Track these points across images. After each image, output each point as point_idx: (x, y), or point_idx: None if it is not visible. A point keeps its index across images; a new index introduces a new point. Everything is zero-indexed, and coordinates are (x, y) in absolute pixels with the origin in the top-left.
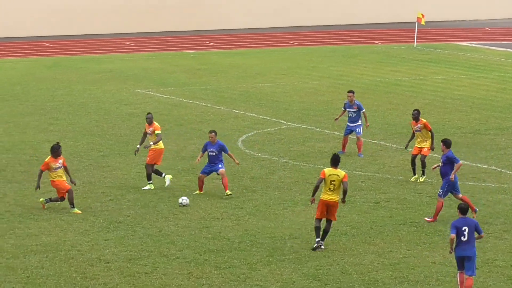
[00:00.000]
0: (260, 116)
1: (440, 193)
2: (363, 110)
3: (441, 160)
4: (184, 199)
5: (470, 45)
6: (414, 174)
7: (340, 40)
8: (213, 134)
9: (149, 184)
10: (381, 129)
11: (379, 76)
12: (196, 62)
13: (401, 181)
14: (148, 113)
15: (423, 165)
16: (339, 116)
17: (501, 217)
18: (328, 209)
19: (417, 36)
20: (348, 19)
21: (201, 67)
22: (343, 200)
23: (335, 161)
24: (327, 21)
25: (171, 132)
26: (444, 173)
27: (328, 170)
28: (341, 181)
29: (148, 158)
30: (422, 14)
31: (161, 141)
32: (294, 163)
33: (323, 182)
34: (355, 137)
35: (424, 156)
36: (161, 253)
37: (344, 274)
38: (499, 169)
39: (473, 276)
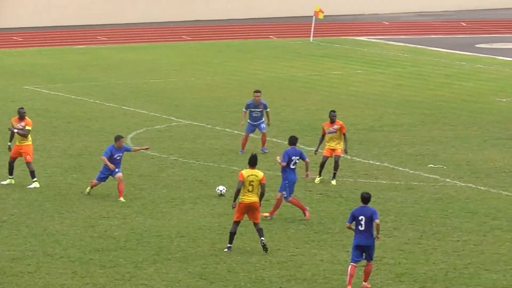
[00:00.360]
0: (151, 113)
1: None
2: (267, 110)
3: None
4: (221, 189)
5: (368, 39)
6: (320, 175)
7: (235, 35)
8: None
9: (9, 178)
10: (274, 126)
11: (273, 72)
12: (87, 58)
13: None
14: (21, 108)
15: (336, 167)
16: (244, 120)
17: (391, 214)
18: (249, 211)
19: (314, 31)
20: (244, 13)
21: (92, 62)
22: (259, 204)
23: (253, 162)
24: (222, 15)
25: (59, 129)
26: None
27: (246, 172)
28: (260, 182)
29: (13, 152)
30: (320, 8)
31: (30, 137)
32: (184, 160)
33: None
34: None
35: (338, 157)
36: (45, 253)
37: (231, 272)
38: (391, 166)
39: (372, 262)
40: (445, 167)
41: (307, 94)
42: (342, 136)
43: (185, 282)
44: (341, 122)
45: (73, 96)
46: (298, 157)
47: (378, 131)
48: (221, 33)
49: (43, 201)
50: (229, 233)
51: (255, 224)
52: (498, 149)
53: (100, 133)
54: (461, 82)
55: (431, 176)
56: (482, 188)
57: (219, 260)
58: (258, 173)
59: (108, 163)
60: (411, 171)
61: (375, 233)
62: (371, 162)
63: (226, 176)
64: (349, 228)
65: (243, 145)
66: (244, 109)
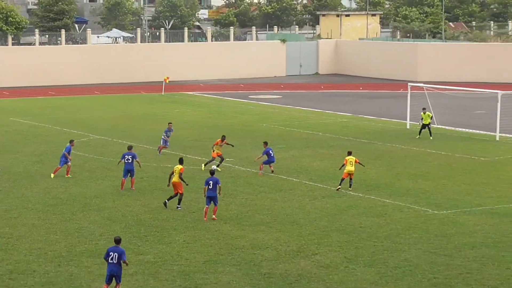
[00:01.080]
0: (79, 132)
1: None
2: (172, 132)
3: None
4: (214, 167)
5: (193, 93)
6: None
7: (122, 91)
8: None
9: None
10: (144, 136)
11: (145, 110)
12: (45, 104)
13: None
14: None
15: (222, 161)
16: (164, 137)
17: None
18: (175, 186)
19: (164, 89)
20: (128, 78)
21: (48, 106)
22: (180, 182)
23: (180, 161)
24: (123, 79)
25: (29, 141)
26: None
27: (177, 167)
28: (179, 171)
29: None
30: (166, 77)
31: None
32: (98, 158)
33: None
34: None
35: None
36: None
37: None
38: (207, 159)
39: (217, 205)
40: (234, 159)
41: (162, 121)
42: (223, 146)
43: None
44: (223, 140)
45: (37, 123)
46: None
47: (200, 141)
48: (118, 90)
49: (21, 179)
50: (178, 199)
51: (179, 194)
52: (261, 150)
53: (52, 143)
54: (242, 116)
55: (227, 164)
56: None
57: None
58: (179, 167)
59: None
60: (218, 162)
61: (218, 190)
62: (197, 157)
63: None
64: (204, 189)
65: (160, 150)
66: (164, 133)
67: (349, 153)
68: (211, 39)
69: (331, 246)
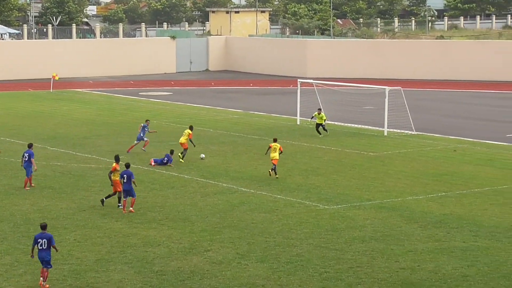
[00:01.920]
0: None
1: None
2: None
3: None
4: (202, 156)
5: (82, 90)
6: None
7: (15, 88)
8: None
9: None
10: (44, 134)
11: (32, 107)
12: None
13: None
14: None
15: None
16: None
17: (98, 182)
18: (116, 184)
19: (53, 86)
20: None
21: None
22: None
23: (117, 159)
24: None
25: None
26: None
27: (115, 165)
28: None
29: None
30: (55, 74)
31: None
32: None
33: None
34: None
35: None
36: None
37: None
38: (97, 157)
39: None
40: (125, 157)
41: (50, 119)
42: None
43: None
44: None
45: None
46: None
47: (89, 139)
48: (4, 87)
49: None
50: (117, 198)
51: (118, 192)
52: (154, 147)
53: None
54: (132, 113)
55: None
56: (145, 167)
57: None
58: (118, 165)
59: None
60: (108, 160)
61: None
62: (86, 155)
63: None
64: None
65: (130, 148)
66: (141, 124)
67: (275, 140)
68: (100, 35)
69: (223, 243)
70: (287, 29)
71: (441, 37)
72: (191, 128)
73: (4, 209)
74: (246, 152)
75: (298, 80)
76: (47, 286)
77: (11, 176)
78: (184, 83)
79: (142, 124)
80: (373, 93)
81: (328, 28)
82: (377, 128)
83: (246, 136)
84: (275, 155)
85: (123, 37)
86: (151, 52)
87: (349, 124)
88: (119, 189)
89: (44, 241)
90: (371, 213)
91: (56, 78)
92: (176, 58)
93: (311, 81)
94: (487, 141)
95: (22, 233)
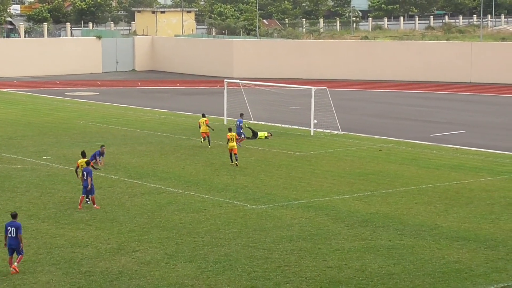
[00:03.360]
0: None
1: None
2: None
3: None
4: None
5: (6, 90)
6: None
7: None
8: None
9: None
10: None
11: None
12: None
13: None
14: None
15: None
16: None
17: (24, 183)
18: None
19: None
20: None
21: None
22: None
23: (83, 154)
24: None
25: None
26: None
27: (80, 161)
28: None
29: None
30: None
31: None
32: None
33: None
34: None
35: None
36: None
37: None
38: (23, 158)
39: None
40: (51, 158)
41: None
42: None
43: None
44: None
45: None
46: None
47: (14, 139)
48: None
49: None
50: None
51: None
52: (80, 147)
53: None
54: (58, 113)
55: (44, 162)
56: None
57: None
58: (85, 161)
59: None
60: (34, 160)
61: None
62: (12, 156)
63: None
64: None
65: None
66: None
67: (230, 130)
68: (24, 35)
69: (152, 243)
70: (213, 29)
71: (366, 37)
72: (203, 115)
73: None
74: (173, 152)
75: (225, 80)
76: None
77: None
78: (111, 83)
79: None
80: (299, 93)
81: (254, 29)
82: (304, 128)
83: (173, 136)
84: (233, 144)
85: (48, 36)
86: (76, 52)
87: (276, 124)
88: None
89: (13, 229)
90: (298, 213)
91: None
92: (102, 58)
93: (238, 81)
94: (411, 141)
95: None
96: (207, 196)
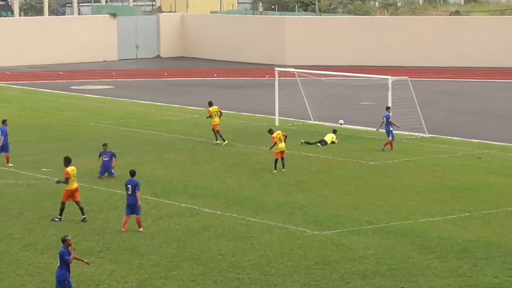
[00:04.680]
0: None
1: None
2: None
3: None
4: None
5: None
6: None
7: None
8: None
9: None
10: None
11: None
12: None
13: None
14: None
15: None
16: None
17: (17, 202)
18: (73, 194)
19: None
20: None
21: None
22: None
23: (68, 161)
24: None
25: None
26: None
27: (70, 169)
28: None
29: None
30: None
31: None
32: None
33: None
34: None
35: None
36: None
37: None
38: (16, 170)
39: (140, 215)
40: (53, 170)
41: None
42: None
43: None
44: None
45: None
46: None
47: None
48: None
49: None
50: (60, 209)
51: (77, 203)
52: (90, 156)
53: None
54: (62, 112)
55: (43, 176)
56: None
57: None
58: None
59: None
60: (30, 173)
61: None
62: (3, 168)
63: None
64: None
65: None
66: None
67: (270, 131)
68: (19, 13)
69: (183, 281)
70: (260, 4)
71: (457, 12)
72: (210, 103)
73: None
74: (209, 161)
75: (276, 68)
76: None
77: None
78: (129, 73)
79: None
80: (372, 85)
81: (313, 2)
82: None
83: (210, 141)
84: (282, 145)
85: (49, 15)
86: (85, 34)
87: (351, 126)
88: (63, 200)
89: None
90: (374, 240)
91: None
92: (118, 42)
93: (292, 69)
94: None
95: None
96: (253, 219)
